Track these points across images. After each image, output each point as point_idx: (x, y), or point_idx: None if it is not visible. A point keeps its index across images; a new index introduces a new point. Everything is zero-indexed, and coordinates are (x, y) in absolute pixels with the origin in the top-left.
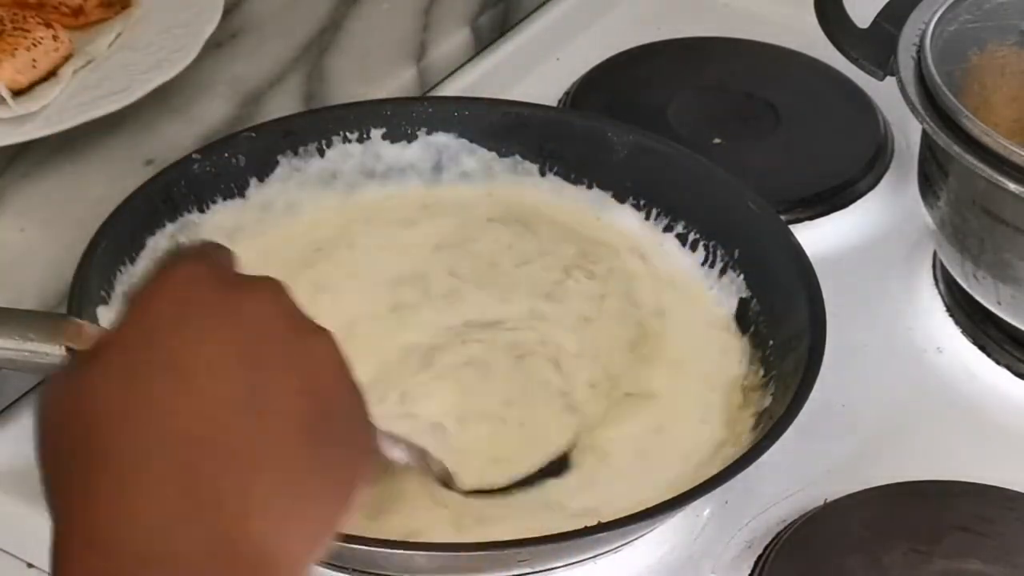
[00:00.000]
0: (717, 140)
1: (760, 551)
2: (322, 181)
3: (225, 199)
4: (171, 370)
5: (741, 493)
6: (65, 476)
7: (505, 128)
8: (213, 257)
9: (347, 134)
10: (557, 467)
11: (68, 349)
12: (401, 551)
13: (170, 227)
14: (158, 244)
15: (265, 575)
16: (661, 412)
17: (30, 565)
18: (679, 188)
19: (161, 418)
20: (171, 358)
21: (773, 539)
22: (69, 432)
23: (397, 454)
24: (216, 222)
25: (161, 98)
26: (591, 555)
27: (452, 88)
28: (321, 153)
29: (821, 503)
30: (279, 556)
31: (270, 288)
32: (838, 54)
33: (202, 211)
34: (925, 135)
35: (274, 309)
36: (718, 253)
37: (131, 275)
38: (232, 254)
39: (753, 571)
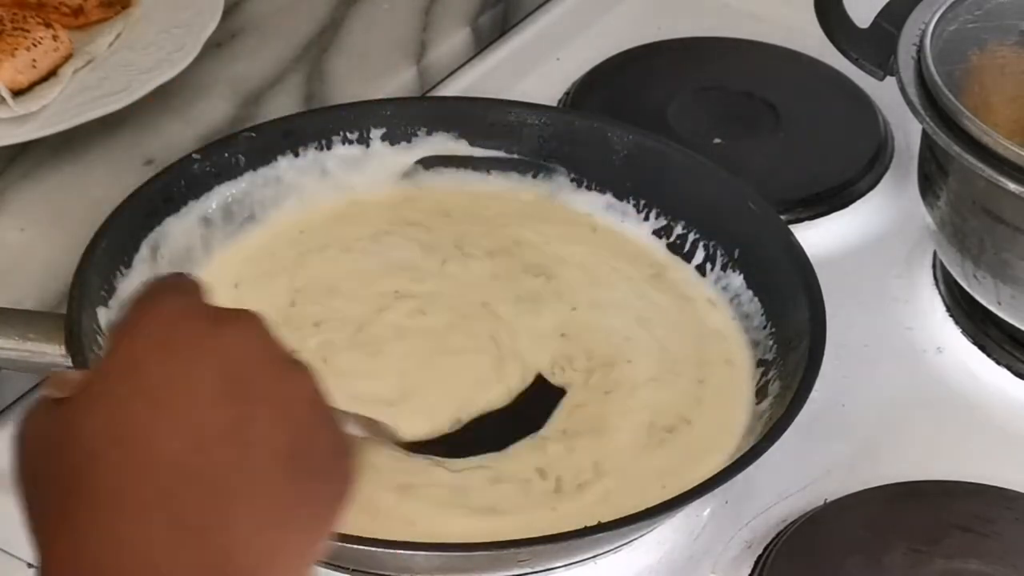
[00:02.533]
0: (717, 140)
1: (760, 551)
2: (318, 176)
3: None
4: (155, 401)
5: (741, 493)
6: (48, 505)
7: (505, 128)
8: (190, 291)
9: (347, 134)
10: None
11: (47, 395)
12: (400, 551)
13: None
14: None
15: None
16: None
17: (30, 565)
18: (679, 188)
19: (145, 447)
20: (155, 390)
21: (773, 539)
22: (52, 462)
23: (351, 429)
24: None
25: (161, 98)
26: (591, 555)
27: (452, 88)
28: (321, 152)
29: (821, 503)
30: None
31: (250, 322)
32: (838, 54)
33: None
34: (925, 135)
35: (254, 343)
36: (718, 253)
37: (129, 278)
38: (202, 285)
39: (753, 571)
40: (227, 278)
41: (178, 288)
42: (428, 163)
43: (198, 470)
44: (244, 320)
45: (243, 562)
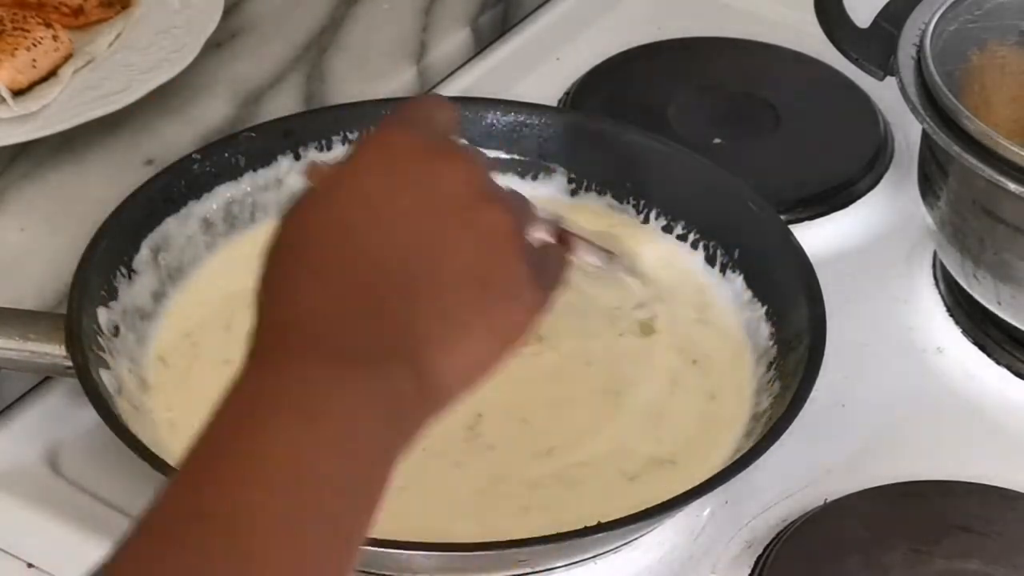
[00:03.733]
0: (717, 140)
1: (760, 551)
2: None
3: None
4: (371, 210)
5: (741, 493)
6: (279, 276)
7: (505, 128)
8: (420, 122)
9: (347, 134)
10: None
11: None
12: (400, 551)
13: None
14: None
15: (420, 384)
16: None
17: (30, 565)
18: (679, 188)
19: (358, 243)
20: (371, 199)
21: (773, 539)
22: (286, 241)
23: (592, 259)
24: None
25: (161, 98)
26: (591, 555)
27: (452, 88)
28: (322, 153)
29: (821, 503)
30: (438, 376)
31: (467, 160)
32: (838, 54)
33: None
34: (925, 135)
35: (466, 178)
36: (718, 253)
37: (130, 279)
38: (453, 114)
39: (753, 571)
40: (227, 279)
41: (410, 120)
42: None
43: (394, 270)
44: (462, 158)
45: (424, 354)
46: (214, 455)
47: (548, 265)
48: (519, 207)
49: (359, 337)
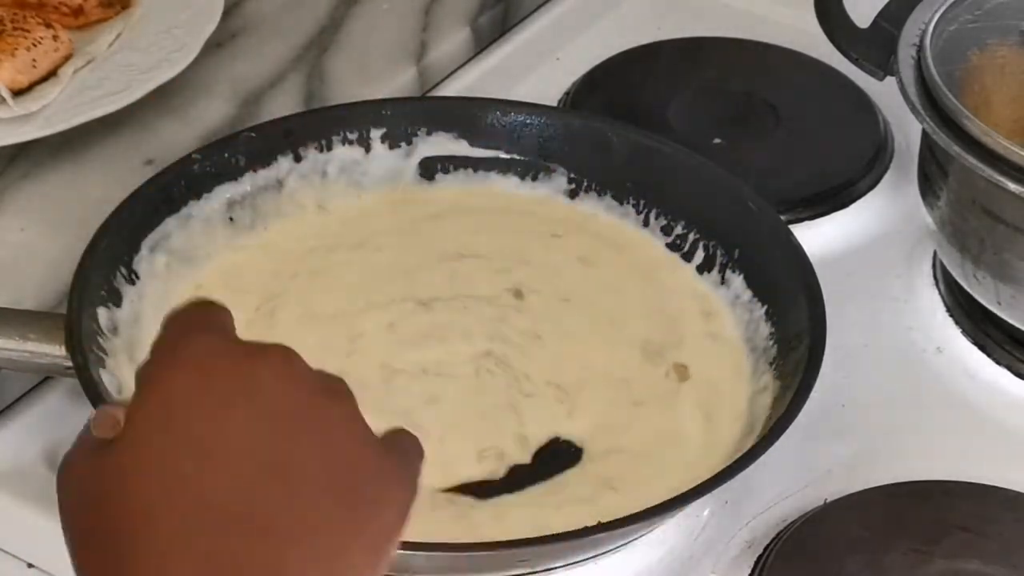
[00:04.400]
0: (717, 140)
1: (760, 551)
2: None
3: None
4: (196, 449)
5: (741, 493)
6: (98, 558)
7: (505, 128)
8: (216, 326)
9: (347, 134)
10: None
11: (91, 436)
12: (400, 551)
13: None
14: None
15: None
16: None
17: (30, 565)
18: (679, 188)
19: (192, 498)
20: (195, 437)
21: (773, 539)
22: (99, 516)
23: None
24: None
25: (161, 98)
26: (591, 555)
27: (452, 88)
28: (321, 153)
29: (821, 503)
30: None
31: (281, 354)
32: (838, 54)
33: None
34: (925, 135)
35: (288, 375)
36: (718, 253)
37: (129, 279)
38: (227, 315)
39: (753, 571)
40: (229, 279)
41: (205, 324)
42: (428, 164)
43: (244, 515)
44: (275, 352)
45: None
46: None
47: (401, 446)
48: (347, 390)
49: None
